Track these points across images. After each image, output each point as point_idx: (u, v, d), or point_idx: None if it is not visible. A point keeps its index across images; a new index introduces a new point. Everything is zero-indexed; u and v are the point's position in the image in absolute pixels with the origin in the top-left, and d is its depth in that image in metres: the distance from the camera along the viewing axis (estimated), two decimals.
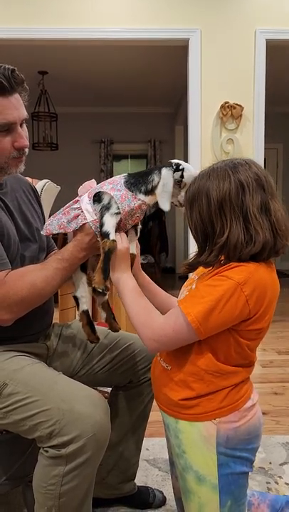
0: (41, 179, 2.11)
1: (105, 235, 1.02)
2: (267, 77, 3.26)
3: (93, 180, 1.14)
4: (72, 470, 0.90)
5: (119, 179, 1.07)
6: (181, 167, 1.06)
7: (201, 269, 1.02)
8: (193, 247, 3.73)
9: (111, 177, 1.16)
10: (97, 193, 1.06)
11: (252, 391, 1.02)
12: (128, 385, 1.29)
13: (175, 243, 6.82)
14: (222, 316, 0.88)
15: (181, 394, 0.97)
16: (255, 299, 0.89)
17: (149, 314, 0.97)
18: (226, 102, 3.20)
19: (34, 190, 1.30)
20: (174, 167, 1.06)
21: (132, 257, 1.10)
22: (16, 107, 1.03)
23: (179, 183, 1.06)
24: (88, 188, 1.11)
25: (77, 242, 1.07)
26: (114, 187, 1.05)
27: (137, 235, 1.13)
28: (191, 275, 1.08)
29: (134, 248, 1.12)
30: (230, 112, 3.21)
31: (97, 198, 1.06)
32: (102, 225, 1.03)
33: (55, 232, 1.10)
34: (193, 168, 1.07)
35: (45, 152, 5.64)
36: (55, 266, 1.05)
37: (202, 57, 3.21)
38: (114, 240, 1.02)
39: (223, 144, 3.24)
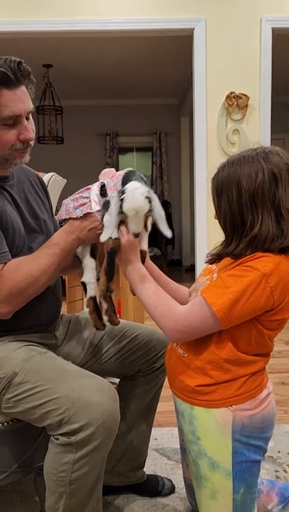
0: (47, 173, 2.11)
1: None
2: (273, 67, 3.22)
3: (112, 168, 1.13)
4: (82, 457, 0.92)
5: (122, 174, 1.05)
6: (122, 196, 0.95)
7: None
8: (199, 240, 3.68)
9: (117, 170, 1.15)
10: (103, 185, 1.06)
11: (267, 380, 1.02)
12: (136, 374, 1.30)
13: (181, 236, 6.81)
14: (247, 306, 0.88)
15: (198, 380, 0.97)
16: (280, 290, 0.89)
17: (169, 305, 0.96)
18: (231, 92, 3.17)
19: (41, 182, 1.31)
20: (120, 194, 0.96)
21: (143, 253, 1.08)
22: (22, 99, 1.03)
23: (121, 213, 0.96)
24: (108, 175, 1.10)
25: (67, 225, 1.07)
26: (116, 184, 1.04)
27: (147, 230, 1.09)
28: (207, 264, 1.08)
29: (145, 244, 1.09)
30: (236, 102, 3.18)
31: (102, 191, 1.06)
32: (103, 225, 1.02)
33: (63, 217, 1.10)
34: (140, 194, 0.95)
35: (50, 146, 5.64)
36: (47, 252, 1.05)
37: (207, 47, 3.18)
38: (116, 239, 1.01)
39: (229, 134, 3.22)
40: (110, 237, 1.00)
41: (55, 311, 1.24)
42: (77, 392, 0.93)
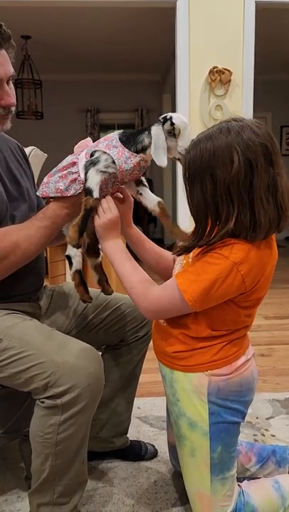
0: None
1: (88, 192, 1.00)
2: (257, 44, 3.19)
3: (88, 138, 1.11)
4: (68, 419, 0.93)
5: (114, 135, 1.04)
6: (168, 117, 1.02)
7: None
8: (181, 219, 3.66)
9: None
10: (92, 152, 1.04)
11: (247, 347, 1.05)
12: (120, 343, 1.32)
13: None
14: (219, 293, 0.89)
15: (175, 347, 1.00)
16: (252, 276, 0.89)
17: (145, 285, 0.97)
18: (214, 67, 3.14)
19: (22, 151, 1.29)
20: (162, 120, 1.02)
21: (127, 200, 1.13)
22: (2, 63, 1.00)
23: (172, 133, 1.02)
24: (84, 146, 1.08)
25: (61, 201, 1.06)
26: (110, 143, 1.02)
27: (146, 186, 1.20)
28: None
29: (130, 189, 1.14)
30: (219, 78, 3.16)
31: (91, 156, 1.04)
32: (85, 180, 1.01)
33: (52, 195, 1.07)
34: (181, 115, 1.04)
35: (30, 121, 5.51)
36: (37, 224, 1.04)
37: (190, 19, 3.12)
38: (97, 199, 1.01)
39: (211, 110, 3.20)
40: (91, 197, 1.00)
41: (39, 281, 1.24)
42: (62, 356, 0.94)
